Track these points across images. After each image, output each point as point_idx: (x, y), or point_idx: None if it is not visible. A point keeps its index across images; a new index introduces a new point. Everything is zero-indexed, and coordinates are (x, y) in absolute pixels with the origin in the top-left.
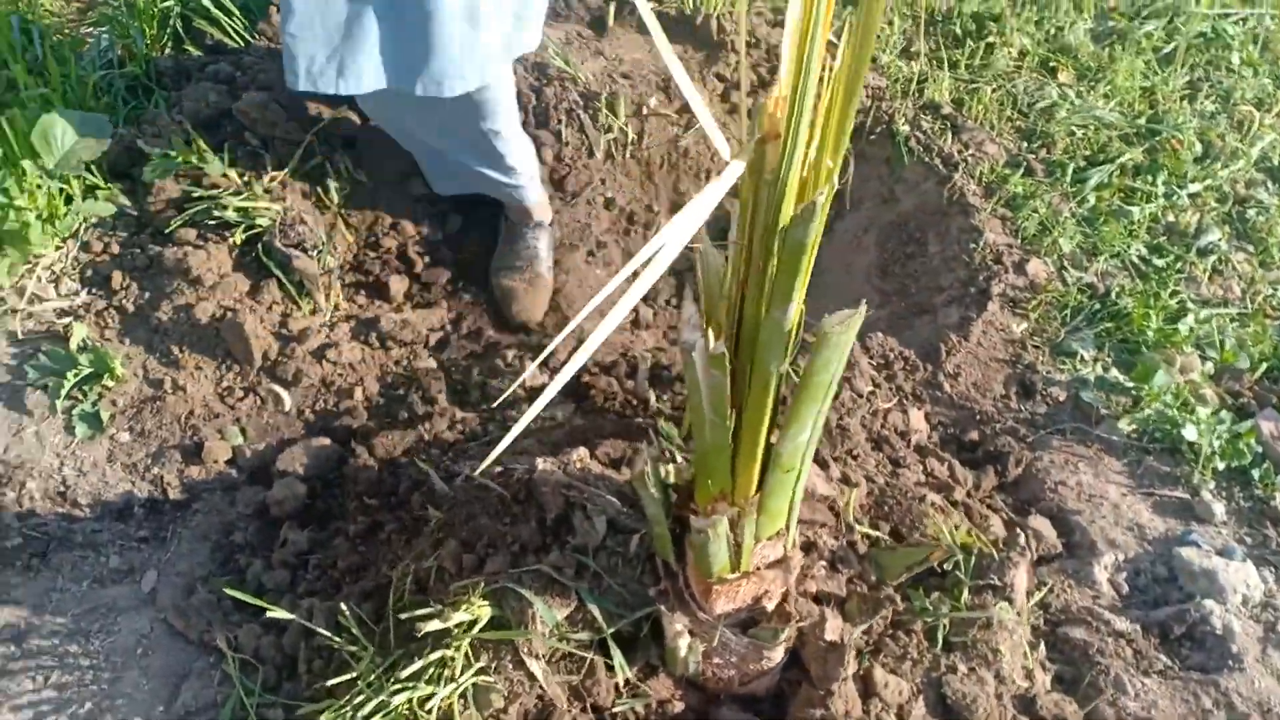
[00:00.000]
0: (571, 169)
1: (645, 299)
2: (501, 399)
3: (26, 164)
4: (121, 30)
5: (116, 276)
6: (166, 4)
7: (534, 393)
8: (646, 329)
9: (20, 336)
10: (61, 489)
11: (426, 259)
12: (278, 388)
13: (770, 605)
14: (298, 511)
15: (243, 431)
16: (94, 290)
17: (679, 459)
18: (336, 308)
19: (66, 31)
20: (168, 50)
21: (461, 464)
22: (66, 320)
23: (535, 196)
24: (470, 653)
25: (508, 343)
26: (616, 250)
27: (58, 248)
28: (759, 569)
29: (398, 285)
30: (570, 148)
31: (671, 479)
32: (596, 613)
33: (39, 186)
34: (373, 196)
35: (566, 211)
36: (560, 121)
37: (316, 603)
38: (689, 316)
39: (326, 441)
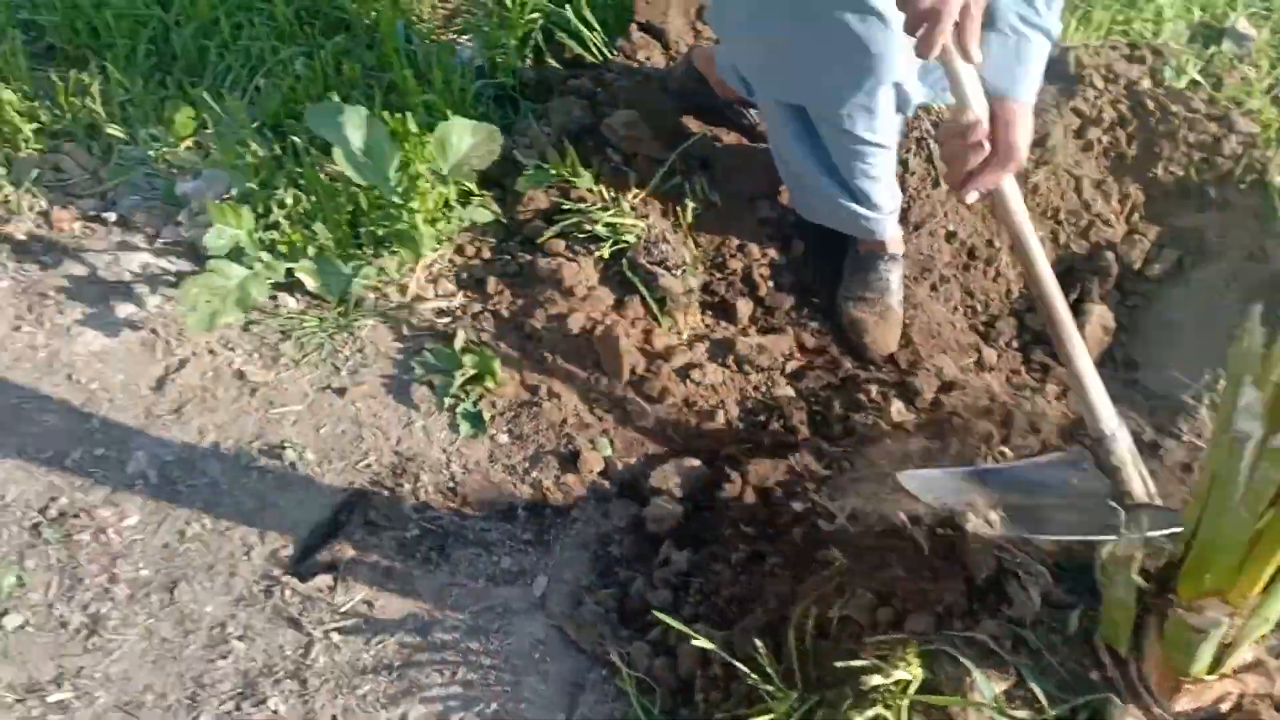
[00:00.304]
0: (915, 199)
1: (988, 340)
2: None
3: (422, 167)
4: (491, 40)
5: (491, 282)
6: (532, 16)
7: (898, 429)
8: (990, 370)
9: (405, 333)
10: (450, 484)
11: (771, 283)
12: (643, 402)
13: (1225, 707)
14: (674, 531)
15: (610, 443)
16: (470, 293)
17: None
18: (691, 328)
19: (436, 38)
20: (528, 62)
21: (841, 500)
22: (445, 320)
23: (893, 230)
24: (906, 714)
25: (866, 377)
26: (956, 285)
27: (434, 249)
28: (1236, 672)
29: (744, 308)
30: (916, 177)
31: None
32: (1039, 692)
33: (431, 189)
34: (722, 217)
35: (910, 242)
36: (909, 150)
37: (712, 629)
38: (1248, 403)
39: (697, 463)
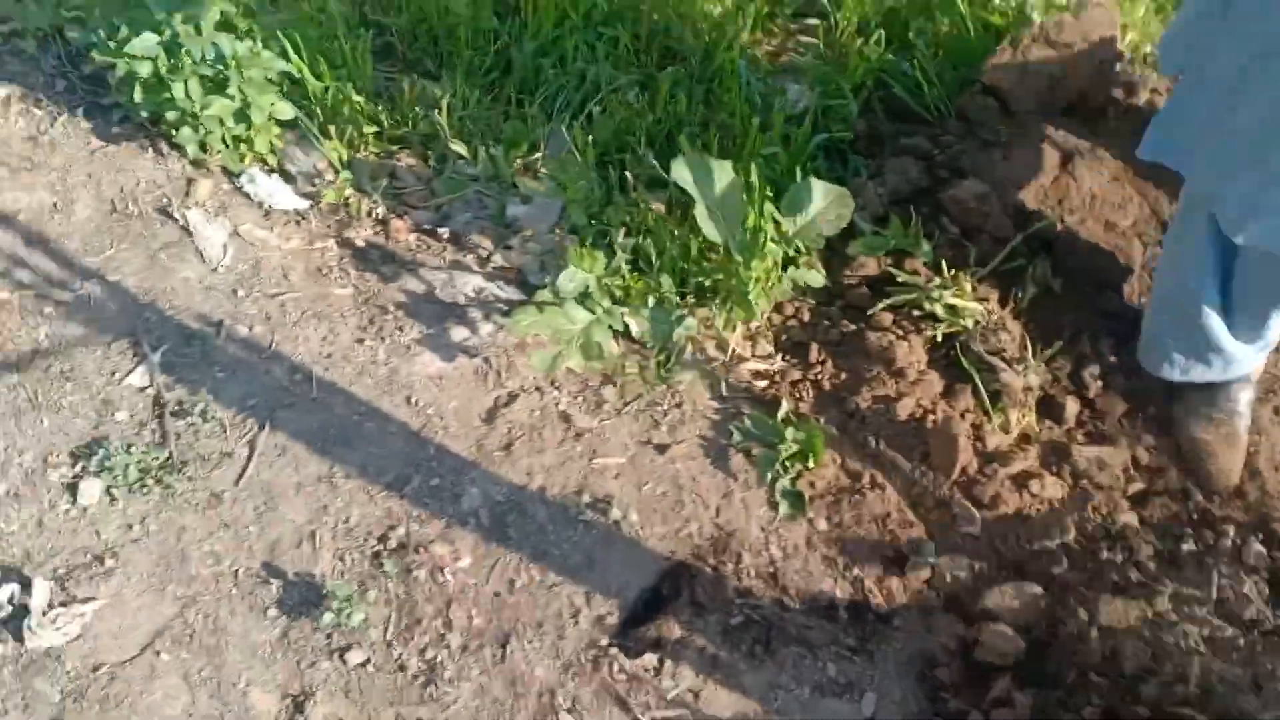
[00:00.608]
0: None
1: None
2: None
3: (769, 227)
4: (821, 83)
5: (813, 349)
6: (868, 65)
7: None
8: None
9: (723, 392)
10: (770, 569)
11: (1100, 383)
12: (971, 507)
13: None
14: (1009, 666)
15: (935, 548)
16: (789, 357)
17: None
18: (1022, 427)
19: (765, 74)
20: (856, 114)
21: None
22: (763, 384)
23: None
24: None
25: (1222, 514)
26: None
27: (763, 311)
28: None
29: (1071, 408)
30: None
31: None
32: None
33: (771, 247)
34: (1056, 306)
35: None
36: None
37: None
38: None
39: (1038, 589)
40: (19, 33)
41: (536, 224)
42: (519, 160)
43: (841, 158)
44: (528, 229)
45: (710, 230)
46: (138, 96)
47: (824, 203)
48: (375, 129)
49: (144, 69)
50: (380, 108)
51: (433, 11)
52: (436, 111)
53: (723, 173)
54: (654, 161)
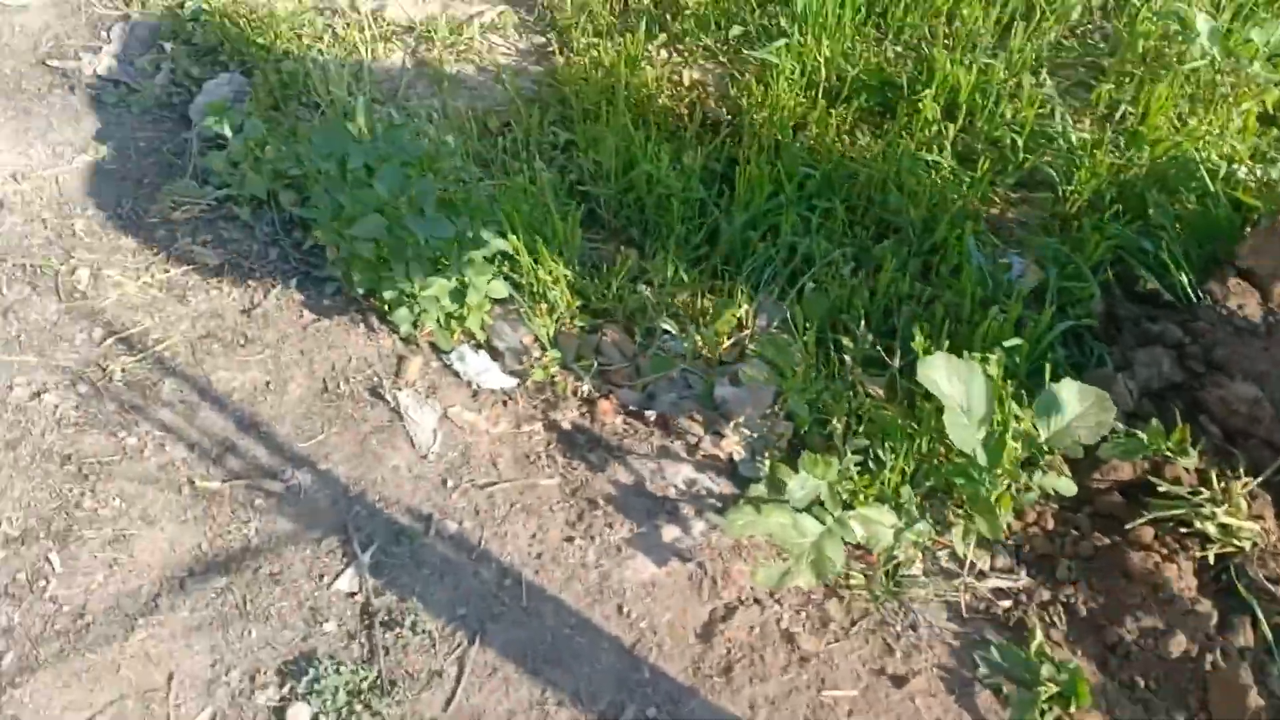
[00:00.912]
0: None
1: None
2: None
3: (1017, 429)
4: (1064, 268)
5: (1061, 565)
6: (1107, 242)
7: None
8: None
9: (962, 612)
10: None
11: None
12: None
13: None
14: None
15: None
16: (1034, 573)
17: None
18: None
19: (984, 244)
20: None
21: None
22: (1006, 603)
23: None
24: None
25: None
26: None
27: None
28: None
29: None
30: None
31: None
32: None
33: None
34: None
35: None
36: None
37: None
38: None
39: None
40: (235, 199)
41: (747, 408)
42: (727, 337)
43: (1078, 341)
44: (738, 413)
45: (961, 438)
46: (356, 276)
47: (1081, 407)
48: (581, 302)
49: (366, 250)
50: (587, 280)
51: (641, 182)
52: (643, 285)
53: (973, 375)
54: (874, 342)
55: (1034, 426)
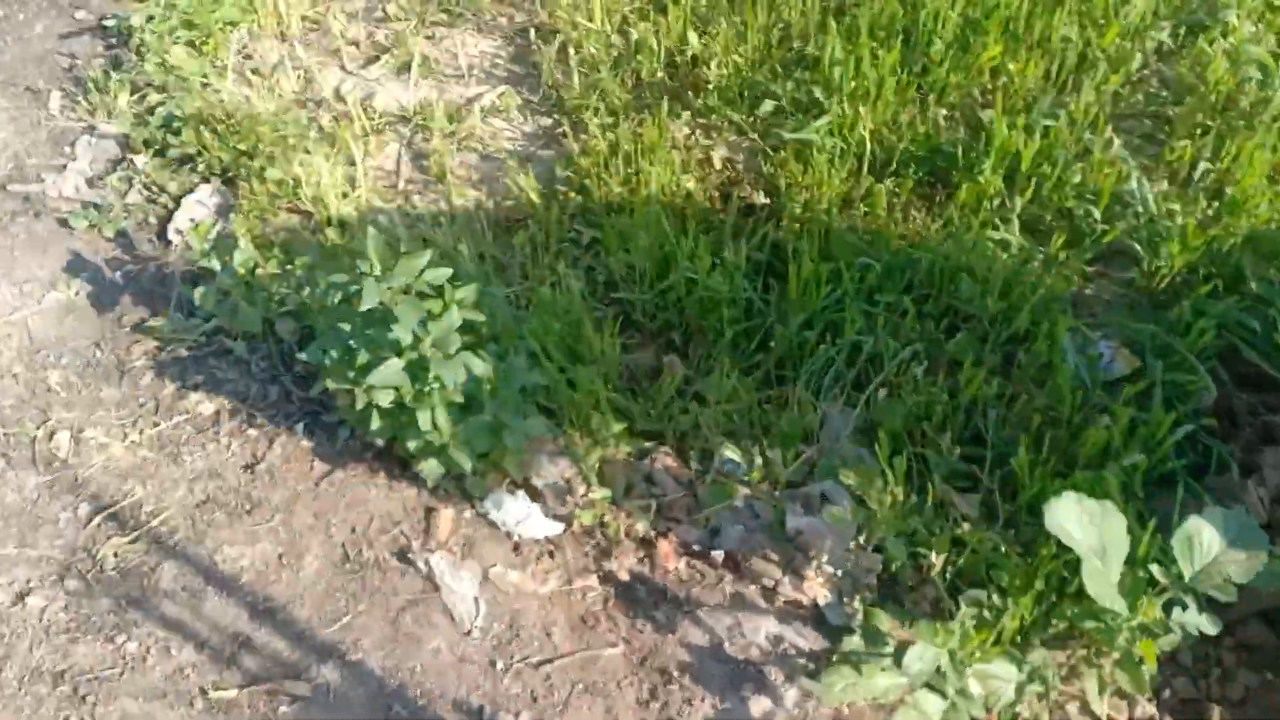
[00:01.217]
0: None
1: None
2: None
3: (1155, 568)
4: (1169, 358)
5: (1215, 713)
6: (1210, 323)
7: None
8: None
9: None
10: None
11: None
12: None
13: None
14: None
15: None
16: None
17: None
18: None
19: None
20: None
21: None
22: None
23: None
24: None
25: None
26: None
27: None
28: None
29: None
30: None
31: None
32: None
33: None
34: None
35: None
36: None
37: None
38: None
39: None
40: (225, 330)
41: (826, 540)
42: (794, 458)
43: (1192, 442)
44: (816, 546)
45: (1101, 593)
46: (374, 424)
47: (1226, 539)
48: (625, 423)
49: (385, 398)
50: (629, 398)
51: (680, 282)
52: (694, 401)
53: (1108, 517)
54: (960, 457)
55: (1170, 558)
